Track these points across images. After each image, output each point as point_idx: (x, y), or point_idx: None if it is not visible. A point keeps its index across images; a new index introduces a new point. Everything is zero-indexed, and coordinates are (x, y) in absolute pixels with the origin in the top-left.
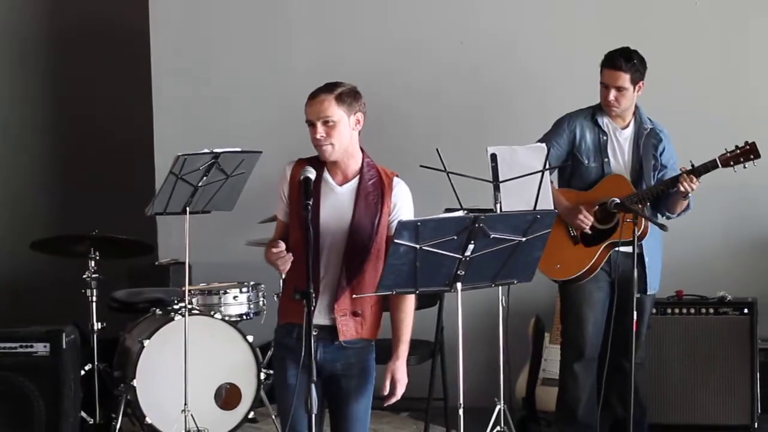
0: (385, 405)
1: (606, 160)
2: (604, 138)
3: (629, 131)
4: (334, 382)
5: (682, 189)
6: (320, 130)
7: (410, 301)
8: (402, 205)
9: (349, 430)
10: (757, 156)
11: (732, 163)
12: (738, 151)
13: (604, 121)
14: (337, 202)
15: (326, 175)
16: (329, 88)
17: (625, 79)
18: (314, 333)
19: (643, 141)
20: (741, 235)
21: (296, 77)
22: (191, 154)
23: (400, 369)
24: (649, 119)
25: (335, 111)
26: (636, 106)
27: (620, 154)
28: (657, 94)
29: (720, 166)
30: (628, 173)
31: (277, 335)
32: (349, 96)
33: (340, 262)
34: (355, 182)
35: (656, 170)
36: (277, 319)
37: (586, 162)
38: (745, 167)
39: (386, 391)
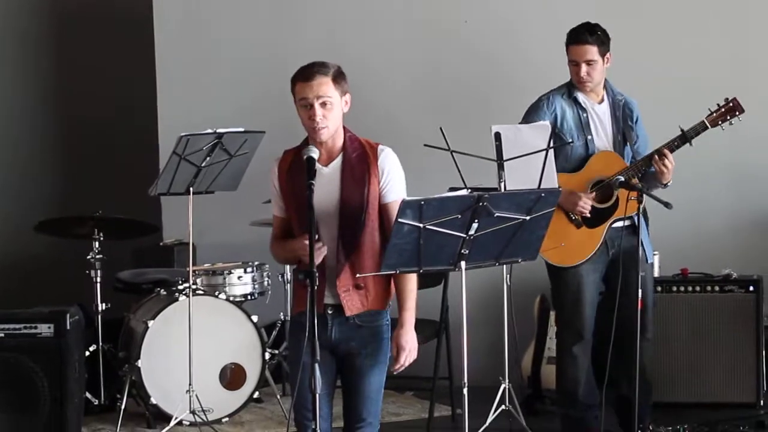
0: (394, 372)
1: (590, 137)
2: (585, 114)
3: (605, 105)
4: (349, 359)
5: (657, 169)
6: (319, 111)
7: None
8: (390, 170)
9: (362, 407)
10: (741, 111)
11: (720, 121)
12: (723, 109)
13: (581, 97)
14: (324, 182)
15: None
16: (323, 69)
17: (593, 51)
18: (329, 312)
19: (621, 113)
20: (746, 212)
21: (300, 58)
22: (194, 134)
23: (403, 336)
24: (618, 91)
25: (333, 93)
26: (605, 80)
27: (602, 130)
28: (657, 73)
29: (709, 126)
30: (612, 147)
31: (293, 316)
32: (341, 77)
33: (335, 238)
34: (339, 159)
35: (634, 142)
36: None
37: (572, 141)
38: (731, 124)
39: (397, 365)
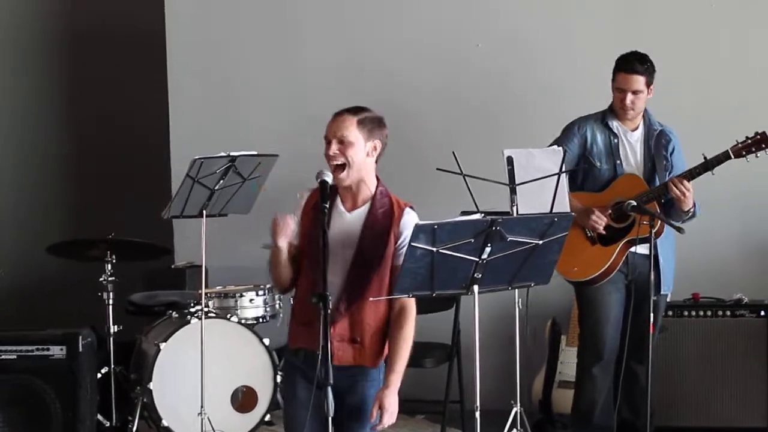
0: None
1: (618, 162)
2: (615, 140)
3: (639, 133)
4: (337, 400)
5: (673, 195)
6: (334, 147)
7: (410, 321)
8: (409, 235)
9: None
10: None
11: (744, 153)
12: (749, 141)
13: (614, 124)
14: (344, 228)
15: (337, 200)
16: (354, 110)
17: (641, 82)
18: (318, 353)
19: (654, 141)
20: (757, 237)
21: (313, 80)
22: (208, 157)
23: (387, 397)
24: (658, 122)
25: (353, 132)
26: (645, 109)
27: (632, 156)
28: (669, 92)
29: (732, 156)
30: (641, 174)
31: (286, 354)
32: (372, 123)
33: (341, 287)
34: (364, 209)
35: (666, 170)
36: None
37: (599, 165)
38: (757, 156)
39: (373, 419)
